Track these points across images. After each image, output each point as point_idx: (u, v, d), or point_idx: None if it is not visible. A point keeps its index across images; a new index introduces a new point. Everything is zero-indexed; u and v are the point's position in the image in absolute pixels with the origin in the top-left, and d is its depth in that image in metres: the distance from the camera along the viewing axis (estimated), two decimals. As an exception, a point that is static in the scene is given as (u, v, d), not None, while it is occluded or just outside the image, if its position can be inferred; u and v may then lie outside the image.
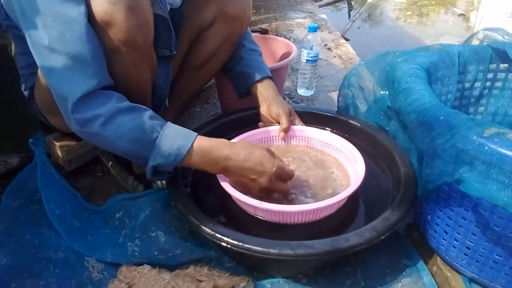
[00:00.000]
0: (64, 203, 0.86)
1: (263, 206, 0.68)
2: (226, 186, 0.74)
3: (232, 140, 0.85)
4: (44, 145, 0.99)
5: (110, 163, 1.03)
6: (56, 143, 0.96)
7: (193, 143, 0.68)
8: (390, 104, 0.75)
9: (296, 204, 0.76)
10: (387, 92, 0.77)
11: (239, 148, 0.71)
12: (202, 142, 0.69)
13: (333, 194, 0.74)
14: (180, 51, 0.94)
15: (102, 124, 0.65)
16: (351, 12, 3.24)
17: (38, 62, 0.65)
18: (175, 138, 0.68)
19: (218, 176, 0.76)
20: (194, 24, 0.92)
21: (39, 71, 0.79)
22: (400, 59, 0.73)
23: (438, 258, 0.77)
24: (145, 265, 0.73)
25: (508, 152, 0.51)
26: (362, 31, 2.91)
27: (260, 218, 0.74)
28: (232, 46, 0.96)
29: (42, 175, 0.88)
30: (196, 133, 0.70)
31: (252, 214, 0.75)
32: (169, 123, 0.70)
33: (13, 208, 0.89)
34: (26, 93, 0.89)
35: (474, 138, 0.54)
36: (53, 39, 0.62)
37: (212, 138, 0.71)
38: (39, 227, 0.85)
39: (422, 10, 3.36)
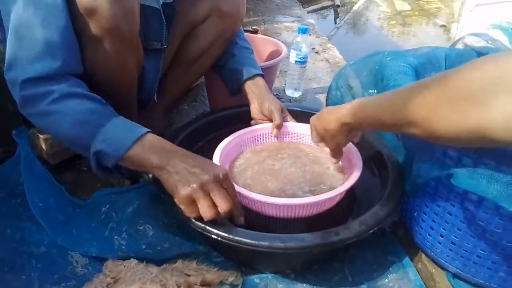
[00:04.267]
0: (48, 197, 0.84)
1: (267, 200, 0.68)
2: None
3: (226, 139, 0.85)
4: (27, 138, 0.96)
5: (96, 158, 1.02)
6: (40, 135, 0.94)
7: (142, 136, 0.63)
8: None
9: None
10: (375, 91, 0.79)
11: (177, 168, 0.62)
12: (153, 138, 0.65)
13: (331, 189, 0.74)
14: (172, 45, 0.94)
15: (50, 102, 0.62)
16: (337, 20, 3.30)
17: (8, 40, 0.62)
18: (123, 128, 0.64)
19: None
20: (187, 19, 0.92)
21: None
22: (389, 58, 0.75)
23: (423, 255, 0.79)
24: (131, 259, 0.72)
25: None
26: (347, 38, 2.97)
27: (251, 212, 0.74)
28: (224, 43, 0.96)
29: (26, 167, 0.86)
30: (148, 129, 0.65)
31: (248, 207, 0.75)
32: (121, 116, 0.66)
33: (-7, 201, 0.86)
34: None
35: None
36: (30, 17, 0.61)
37: (164, 142, 0.66)
38: (21, 221, 0.83)
39: (406, 20, 3.45)
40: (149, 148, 0.63)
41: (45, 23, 0.61)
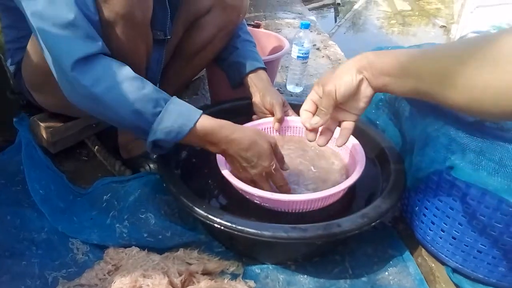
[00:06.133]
0: (49, 184, 0.83)
1: (273, 197, 0.68)
2: (227, 174, 0.74)
3: None
4: (28, 126, 0.96)
5: (96, 147, 1.01)
6: (41, 124, 0.93)
7: (196, 123, 0.67)
8: (382, 97, 0.77)
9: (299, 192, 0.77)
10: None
11: (243, 136, 0.70)
12: (206, 123, 0.68)
13: (335, 185, 0.75)
14: (175, 37, 0.93)
15: (106, 88, 0.63)
16: (337, 18, 3.30)
17: (35, 25, 0.62)
18: (178, 116, 0.66)
19: (218, 160, 0.76)
20: (191, 10, 0.92)
21: (28, 45, 0.77)
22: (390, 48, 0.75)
23: (423, 250, 0.79)
24: (133, 247, 0.72)
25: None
26: (348, 36, 2.97)
27: (254, 204, 0.74)
28: (227, 35, 0.96)
29: (27, 154, 0.85)
30: (201, 112, 0.68)
31: (252, 200, 0.75)
32: (174, 98, 0.68)
33: (-8, 188, 0.86)
34: (12, 68, 0.86)
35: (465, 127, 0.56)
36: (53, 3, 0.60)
37: (216, 119, 0.69)
38: (21, 208, 0.82)
39: (406, 20, 3.46)
40: (204, 135, 0.68)
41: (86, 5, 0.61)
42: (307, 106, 0.69)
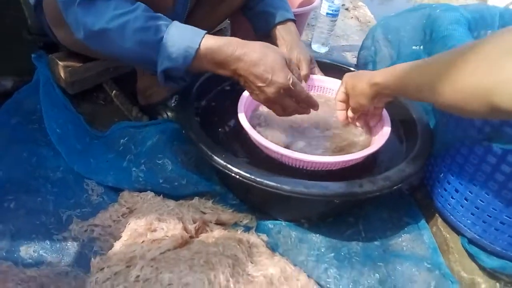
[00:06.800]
0: (66, 124, 0.83)
1: (294, 155, 0.65)
2: (247, 127, 0.70)
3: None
4: (46, 63, 0.94)
5: (114, 91, 1.00)
6: (59, 62, 0.91)
7: (200, 43, 0.62)
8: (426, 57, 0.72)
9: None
10: (421, 47, 0.74)
11: (252, 49, 0.64)
12: (210, 42, 0.63)
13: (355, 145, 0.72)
14: (201, -21, 0.88)
15: (106, 22, 0.60)
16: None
17: None
18: (181, 39, 0.62)
19: (238, 110, 0.72)
20: (219, -49, 0.86)
21: None
22: (438, 10, 0.70)
23: (439, 220, 0.78)
24: (148, 191, 0.72)
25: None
26: (376, 2, 2.83)
27: (273, 159, 0.72)
28: (255, -18, 0.90)
29: (45, 92, 0.84)
30: (204, 31, 0.64)
31: (275, 157, 0.71)
32: (175, 22, 0.65)
33: (9, 125, 0.85)
34: (32, 1, 0.83)
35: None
36: None
37: (222, 37, 0.65)
38: (37, 146, 0.82)
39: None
40: (211, 55, 0.64)
41: None
42: (340, 97, 0.74)
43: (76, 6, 0.60)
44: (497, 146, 0.55)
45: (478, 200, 0.64)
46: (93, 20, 0.61)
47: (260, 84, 0.65)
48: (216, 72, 0.67)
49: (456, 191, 0.68)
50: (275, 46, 0.69)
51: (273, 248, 0.68)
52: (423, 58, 0.77)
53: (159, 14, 0.65)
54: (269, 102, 0.68)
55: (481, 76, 0.42)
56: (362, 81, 0.67)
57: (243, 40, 0.66)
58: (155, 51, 0.62)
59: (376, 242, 0.73)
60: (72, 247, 0.66)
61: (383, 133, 0.72)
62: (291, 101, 0.68)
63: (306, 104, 0.69)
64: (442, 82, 0.48)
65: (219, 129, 0.81)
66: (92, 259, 0.60)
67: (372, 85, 0.65)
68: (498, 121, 0.56)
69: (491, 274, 0.69)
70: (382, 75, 0.63)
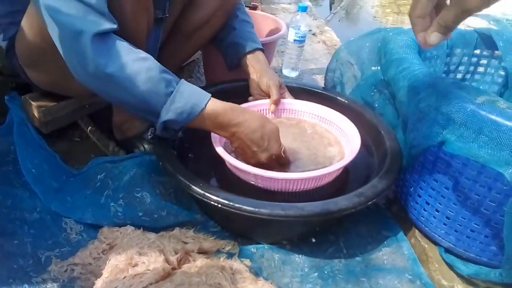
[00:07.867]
0: (42, 164, 0.82)
1: (267, 175, 0.69)
2: (221, 151, 0.74)
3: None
4: (20, 104, 0.93)
5: (90, 127, 1.00)
6: (33, 103, 0.91)
7: (207, 104, 0.67)
8: (382, 77, 0.76)
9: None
10: (378, 68, 0.79)
11: (252, 118, 0.71)
12: (216, 104, 0.68)
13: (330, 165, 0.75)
14: (172, 15, 0.91)
15: (120, 67, 0.62)
16: (332, 6, 3.27)
17: (44, 2, 0.60)
18: (189, 96, 0.66)
19: (212, 140, 0.75)
20: (188, -12, 0.90)
21: (23, 20, 0.75)
22: (391, 34, 0.75)
23: (416, 231, 0.80)
24: (128, 226, 0.71)
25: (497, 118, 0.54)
26: (343, 24, 2.96)
27: (249, 185, 0.74)
28: (225, 15, 0.94)
29: (19, 133, 0.84)
30: (210, 94, 0.69)
31: (246, 180, 0.75)
32: (183, 80, 0.69)
33: (-18, 169, 0.84)
34: (4, 44, 0.84)
35: (466, 105, 0.56)
36: None
37: (226, 102, 0.70)
38: (12, 188, 0.81)
39: (401, 9, 3.44)
40: (215, 116, 0.68)
41: None
42: (421, 11, 0.51)
43: (90, 42, 0.60)
44: (446, 149, 0.58)
45: (448, 211, 0.67)
46: (106, 61, 0.61)
47: (255, 149, 0.72)
48: (213, 132, 0.74)
49: (427, 203, 0.71)
50: (273, 121, 0.78)
51: (256, 272, 0.68)
52: (382, 79, 0.82)
53: (168, 70, 0.68)
54: (260, 164, 0.74)
55: None
56: None
57: (244, 108, 0.74)
58: (162, 103, 0.65)
59: (357, 258, 0.74)
60: (52, 289, 0.64)
61: (353, 148, 0.75)
62: (279, 166, 0.76)
63: (282, 165, 0.77)
64: None
65: (196, 159, 0.82)
66: (73, 299, 0.59)
67: None
68: (452, 122, 0.59)
69: (470, 280, 0.71)
70: None
